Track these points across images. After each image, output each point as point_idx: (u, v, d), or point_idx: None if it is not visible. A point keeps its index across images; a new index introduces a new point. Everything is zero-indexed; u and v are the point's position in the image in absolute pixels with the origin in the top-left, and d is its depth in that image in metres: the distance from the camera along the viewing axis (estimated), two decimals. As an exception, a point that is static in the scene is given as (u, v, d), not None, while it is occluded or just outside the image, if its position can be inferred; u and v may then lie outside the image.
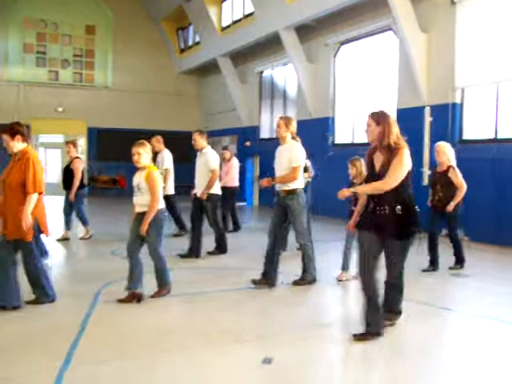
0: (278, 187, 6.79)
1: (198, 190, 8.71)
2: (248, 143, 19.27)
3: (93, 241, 10.25)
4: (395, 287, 5.06)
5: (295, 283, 6.85)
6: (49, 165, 22.77)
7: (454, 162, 7.81)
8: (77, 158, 10.27)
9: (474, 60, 10.91)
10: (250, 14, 17.72)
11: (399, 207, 4.64)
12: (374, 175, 4.80)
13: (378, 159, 4.80)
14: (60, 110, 21.78)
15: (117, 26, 22.57)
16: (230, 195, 11.50)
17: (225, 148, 12.92)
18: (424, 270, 7.80)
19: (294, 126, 6.72)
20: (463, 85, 11.22)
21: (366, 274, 4.77)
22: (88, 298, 6.03)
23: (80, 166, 10.14)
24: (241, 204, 13.34)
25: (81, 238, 10.38)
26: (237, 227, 11.94)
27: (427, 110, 11.73)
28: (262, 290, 6.62)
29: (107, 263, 8.21)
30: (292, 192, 6.67)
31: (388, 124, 4.73)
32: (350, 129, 14.61)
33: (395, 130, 4.73)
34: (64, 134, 21.59)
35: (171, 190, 10.62)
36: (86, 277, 7.20)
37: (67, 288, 6.55)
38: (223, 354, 4.43)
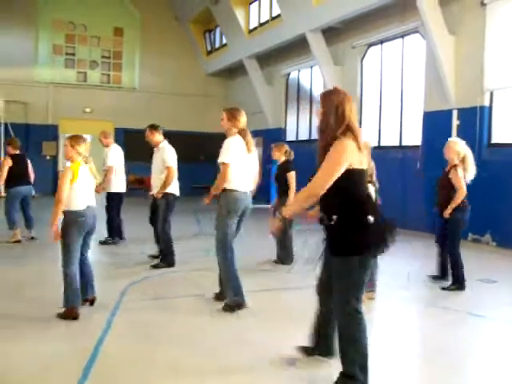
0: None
1: (155, 190, 7.85)
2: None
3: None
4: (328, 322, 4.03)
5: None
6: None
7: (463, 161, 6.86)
8: (10, 155, 9.91)
9: (503, 62, 10.77)
10: (277, 17, 17.73)
11: (335, 216, 3.61)
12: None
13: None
14: (88, 110, 22.04)
15: (144, 28, 22.77)
16: None
17: None
18: (432, 276, 7.30)
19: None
20: (492, 87, 11.07)
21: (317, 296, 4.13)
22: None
23: (6, 164, 9.75)
24: (266, 206, 13.37)
25: (6, 242, 9.67)
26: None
27: (455, 113, 11.62)
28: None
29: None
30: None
31: (329, 104, 3.69)
32: (377, 131, 14.53)
33: (334, 112, 3.64)
34: (92, 134, 21.83)
35: (116, 188, 9.82)
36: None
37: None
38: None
